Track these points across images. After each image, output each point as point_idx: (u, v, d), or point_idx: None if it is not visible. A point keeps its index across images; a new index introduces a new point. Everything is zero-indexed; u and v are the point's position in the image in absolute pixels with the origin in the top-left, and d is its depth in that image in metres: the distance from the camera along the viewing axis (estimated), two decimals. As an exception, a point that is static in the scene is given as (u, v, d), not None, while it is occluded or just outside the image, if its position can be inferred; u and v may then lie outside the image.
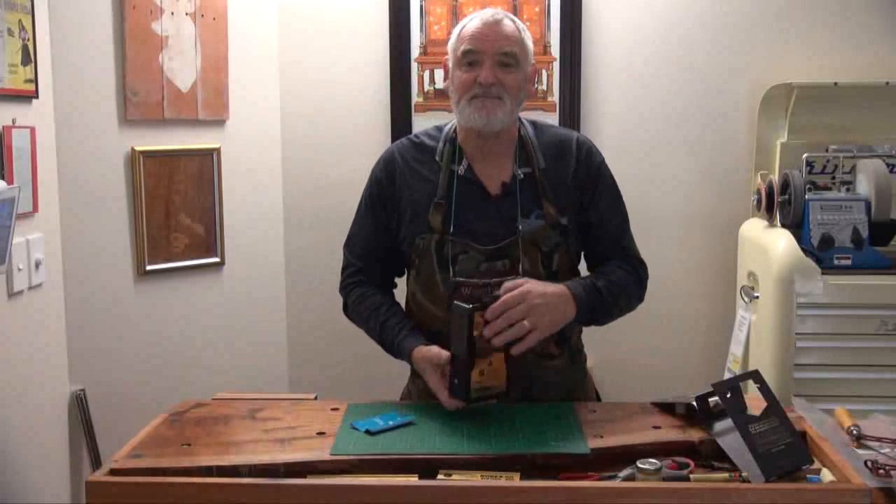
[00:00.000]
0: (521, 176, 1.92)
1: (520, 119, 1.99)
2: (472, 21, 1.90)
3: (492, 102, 1.86)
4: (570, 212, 1.93)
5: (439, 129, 2.01)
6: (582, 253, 2.01)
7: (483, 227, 1.90)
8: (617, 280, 1.93)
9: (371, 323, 1.97)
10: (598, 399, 2.09)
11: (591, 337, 2.11)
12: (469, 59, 1.87)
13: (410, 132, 3.13)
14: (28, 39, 2.18)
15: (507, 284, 1.76)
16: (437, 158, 1.95)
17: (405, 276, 2.03)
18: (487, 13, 1.91)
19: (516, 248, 1.88)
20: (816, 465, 1.55)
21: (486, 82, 1.85)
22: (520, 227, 1.88)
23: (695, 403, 1.69)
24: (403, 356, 1.91)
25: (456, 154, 1.95)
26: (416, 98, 3.16)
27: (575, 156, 1.96)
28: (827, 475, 1.52)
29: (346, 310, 2.06)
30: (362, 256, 2.03)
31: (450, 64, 1.94)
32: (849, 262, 2.60)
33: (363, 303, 2.00)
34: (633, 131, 3.17)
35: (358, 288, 2.02)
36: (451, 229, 1.89)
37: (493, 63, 1.86)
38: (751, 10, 3.11)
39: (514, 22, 1.92)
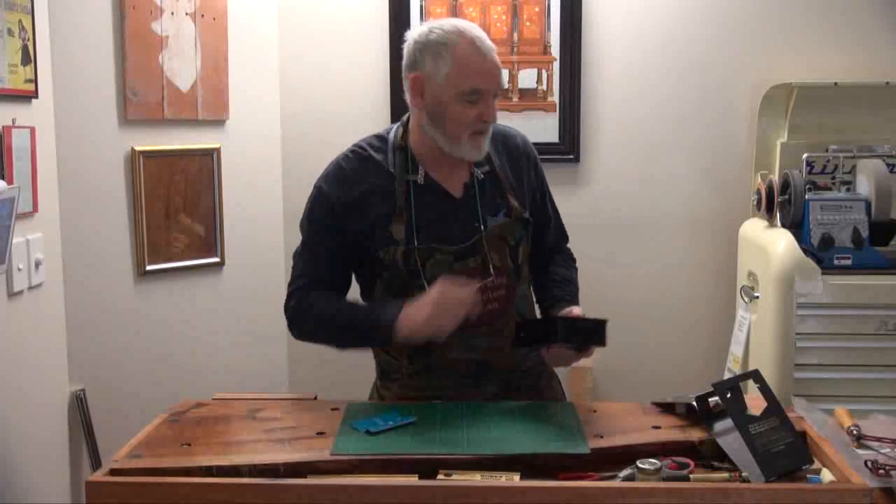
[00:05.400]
0: (481, 176, 1.93)
1: None
2: (472, 52, 1.82)
3: (486, 136, 1.87)
4: (528, 206, 1.98)
5: (381, 138, 1.95)
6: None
7: (449, 229, 1.89)
8: (575, 280, 2.09)
9: (338, 315, 1.89)
10: (559, 382, 2.14)
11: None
12: (475, 97, 1.82)
13: (410, 132, 3.13)
14: (28, 39, 2.18)
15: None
16: (391, 170, 1.90)
17: (367, 283, 1.97)
18: (479, 37, 1.83)
19: (482, 245, 1.89)
20: (816, 465, 1.55)
21: (493, 120, 1.86)
22: (484, 224, 1.90)
23: (695, 403, 1.69)
24: (389, 317, 1.81)
25: (409, 163, 1.91)
26: (416, 98, 3.15)
27: (525, 154, 2.01)
28: (827, 475, 1.52)
29: (295, 320, 1.95)
30: (310, 275, 1.95)
31: (437, 89, 1.83)
32: (849, 262, 2.60)
33: (319, 302, 1.91)
34: (632, 131, 3.17)
35: (308, 295, 1.93)
36: (416, 237, 1.87)
37: (492, 98, 1.85)
38: (751, 10, 3.11)
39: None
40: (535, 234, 2.02)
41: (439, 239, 1.88)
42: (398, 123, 1.97)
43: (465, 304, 1.80)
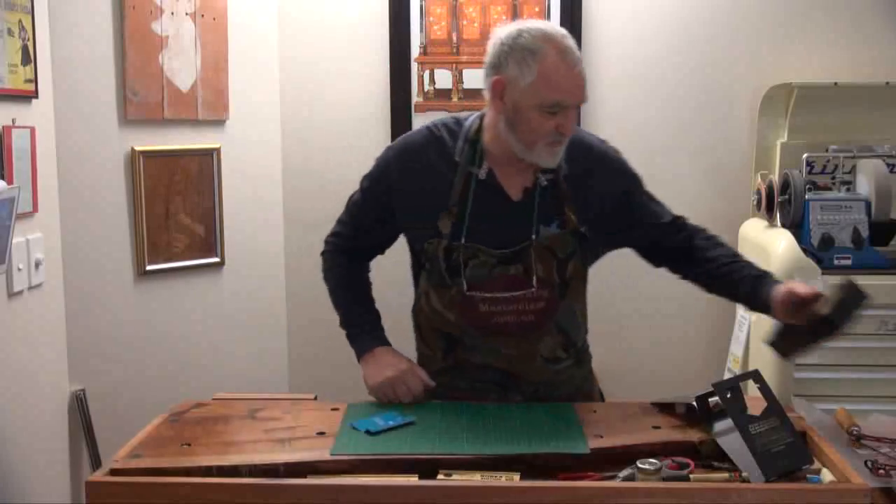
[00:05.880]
0: (545, 183, 1.87)
1: None
2: (559, 64, 1.76)
3: (562, 145, 1.82)
4: (592, 220, 1.89)
5: (459, 122, 1.92)
6: (614, 248, 2.00)
7: (499, 231, 1.86)
8: (736, 252, 1.98)
9: (339, 305, 2.04)
10: (602, 398, 2.09)
11: (592, 337, 2.10)
12: (556, 109, 1.76)
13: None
14: (28, 39, 2.18)
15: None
16: (456, 158, 1.88)
17: (418, 272, 1.98)
18: (568, 48, 1.77)
19: (529, 254, 1.85)
20: (816, 465, 1.55)
21: (571, 133, 1.81)
22: (535, 234, 1.84)
23: (695, 403, 1.69)
24: (361, 348, 1.97)
25: (476, 156, 1.88)
26: (416, 98, 3.16)
27: (600, 161, 1.92)
28: (827, 475, 1.52)
29: (323, 269, 2.08)
30: (346, 233, 2.04)
31: (518, 96, 1.77)
32: (849, 262, 2.60)
33: (334, 273, 2.05)
34: (632, 131, 3.17)
35: (336, 255, 2.05)
36: (463, 234, 1.85)
37: (573, 111, 1.80)
38: (751, 10, 3.11)
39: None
40: (633, 235, 1.96)
41: (486, 240, 1.85)
42: (477, 114, 1.92)
43: (410, 396, 1.87)
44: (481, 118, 1.90)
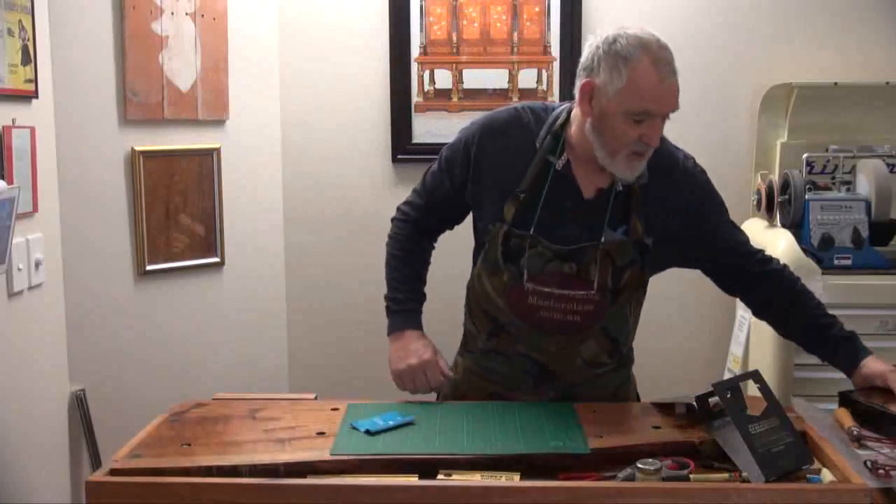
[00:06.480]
0: (620, 188, 1.83)
1: None
2: (650, 73, 1.73)
3: (644, 158, 1.79)
4: (660, 233, 1.87)
5: (547, 110, 1.90)
6: (678, 266, 1.99)
7: (563, 226, 1.83)
8: (813, 299, 1.95)
9: (389, 275, 2.02)
10: (639, 401, 2.06)
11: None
12: (642, 117, 1.74)
13: (410, 132, 3.13)
14: (28, 39, 2.18)
15: None
16: (536, 145, 1.86)
17: (478, 250, 1.97)
18: (663, 59, 1.75)
19: (589, 256, 1.82)
20: (816, 465, 1.55)
21: (655, 145, 1.77)
22: (602, 238, 1.81)
23: (695, 403, 1.69)
24: (391, 326, 1.97)
25: (558, 148, 1.85)
26: (416, 98, 3.16)
27: (680, 182, 1.89)
28: (827, 475, 1.52)
29: (389, 234, 2.07)
30: (417, 206, 2.03)
31: (605, 102, 1.75)
32: (849, 262, 2.60)
33: (395, 246, 2.03)
34: (633, 131, 3.17)
35: (403, 226, 2.04)
36: (533, 223, 1.83)
37: (661, 122, 1.77)
38: (751, 10, 3.11)
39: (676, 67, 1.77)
40: (701, 254, 1.94)
41: (548, 232, 1.83)
42: (566, 106, 1.90)
43: (428, 388, 1.92)
44: (569, 112, 1.88)
